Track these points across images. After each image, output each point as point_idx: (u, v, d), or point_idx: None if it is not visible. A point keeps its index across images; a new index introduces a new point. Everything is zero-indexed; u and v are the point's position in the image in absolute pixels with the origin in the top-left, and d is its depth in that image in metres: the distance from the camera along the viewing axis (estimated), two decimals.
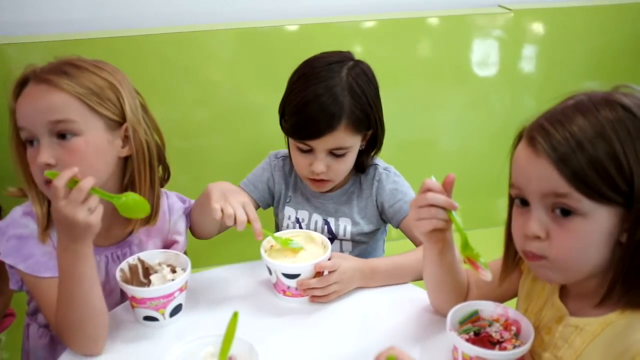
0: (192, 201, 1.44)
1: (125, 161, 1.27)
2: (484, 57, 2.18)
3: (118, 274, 1.21)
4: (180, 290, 1.22)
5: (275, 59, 1.94)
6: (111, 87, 1.21)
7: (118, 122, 1.22)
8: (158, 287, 1.19)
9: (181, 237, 1.41)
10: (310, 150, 1.38)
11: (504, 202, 1.03)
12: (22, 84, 1.20)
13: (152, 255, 1.28)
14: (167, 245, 1.39)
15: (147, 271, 1.25)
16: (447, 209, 1.04)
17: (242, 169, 1.58)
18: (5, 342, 1.23)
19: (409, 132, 2.16)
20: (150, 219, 1.32)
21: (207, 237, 1.46)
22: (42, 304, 1.22)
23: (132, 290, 1.19)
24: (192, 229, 1.45)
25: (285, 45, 1.96)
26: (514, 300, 1.15)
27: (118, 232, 1.32)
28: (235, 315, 0.89)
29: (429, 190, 1.04)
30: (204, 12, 2.02)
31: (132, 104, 1.24)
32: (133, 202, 1.17)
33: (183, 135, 1.94)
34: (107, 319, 1.17)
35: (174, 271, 1.24)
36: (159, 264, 1.26)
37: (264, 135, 1.96)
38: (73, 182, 1.07)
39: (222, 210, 1.23)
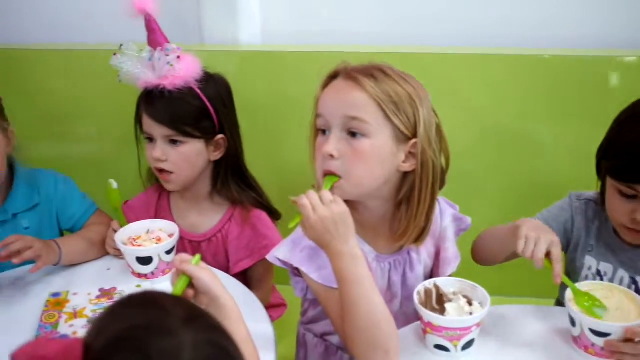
0: (457, 207, 1.43)
1: (405, 175, 1.26)
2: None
3: (416, 297, 1.20)
4: (477, 325, 1.17)
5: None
6: (410, 101, 1.21)
7: (407, 136, 1.21)
8: (457, 318, 1.16)
9: (450, 243, 1.39)
10: (635, 197, 1.26)
11: None
12: (333, 77, 1.25)
13: (448, 282, 1.25)
14: (438, 250, 1.38)
15: (441, 298, 1.22)
16: None
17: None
18: (278, 336, 1.28)
19: None
20: (422, 235, 1.30)
21: (489, 264, 1.43)
22: (332, 315, 1.24)
23: (430, 316, 1.16)
24: (477, 252, 1.42)
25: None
26: None
27: (395, 243, 1.32)
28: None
29: None
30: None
31: (427, 122, 1.22)
32: None
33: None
34: (395, 330, 1.15)
35: (469, 303, 1.20)
36: (454, 293, 1.23)
37: (548, 172, 1.87)
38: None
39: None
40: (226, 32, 1.97)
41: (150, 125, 1.51)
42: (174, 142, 1.51)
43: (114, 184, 1.50)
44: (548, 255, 1.19)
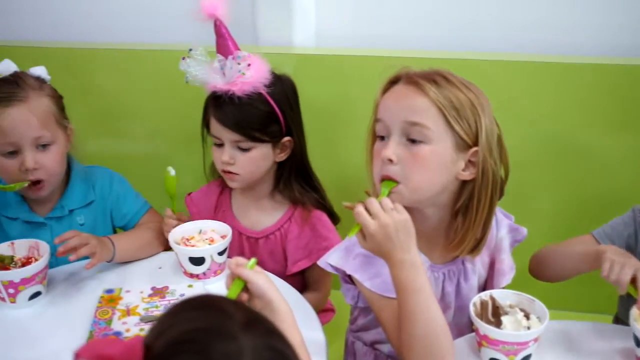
0: (513, 217, 1.40)
1: (464, 184, 1.23)
2: None
3: (471, 308, 1.17)
4: (535, 340, 1.14)
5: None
6: (472, 108, 1.18)
7: (467, 144, 1.19)
8: (515, 332, 1.12)
9: (505, 255, 1.36)
10: None
11: None
12: (393, 82, 1.23)
13: (505, 294, 1.22)
14: (492, 261, 1.36)
15: (497, 310, 1.19)
16: None
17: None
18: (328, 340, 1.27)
19: None
20: (479, 246, 1.28)
21: (551, 281, 1.41)
22: (385, 324, 1.22)
23: (487, 329, 1.13)
24: (540, 268, 1.40)
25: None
26: None
27: (450, 252, 1.30)
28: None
29: None
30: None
31: (489, 131, 1.20)
32: None
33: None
34: (452, 341, 1.13)
35: (527, 317, 1.17)
36: (510, 306, 1.20)
37: (608, 185, 1.82)
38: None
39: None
40: (281, 34, 1.96)
41: (218, 130, 1.52)
42: (242, 146, 1.51)
43: (172, 171, 1.54)
44: (633, 281, 1.17)
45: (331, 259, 1.29)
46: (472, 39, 1.90)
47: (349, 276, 1.27)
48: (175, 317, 0.70)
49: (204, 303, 0.72)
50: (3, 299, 1.35)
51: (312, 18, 2.01)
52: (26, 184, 1.45)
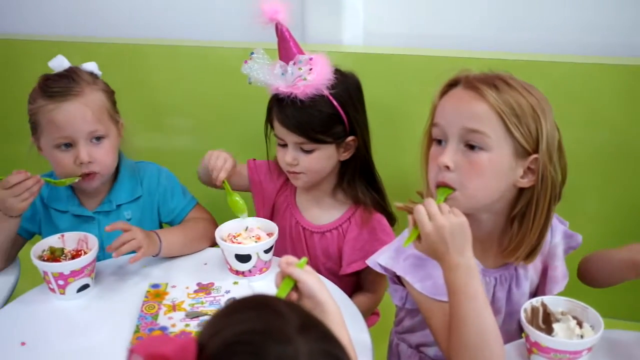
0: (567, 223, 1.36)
1: (521, 191, 1.20)
2: None
3: (522, 314, 1.15)
4: (588, 350, 1.10)
5: None
6: (533, 114, 1.15)
7: (527, 151, 1.15)
8: (568, 340, 1.09)
9: (559, 262, 1.33)
10: None
11: None
12: (452, 85, 1.21)
13: (557, 301, 1.18)
14: (545, 268, 1.33)
15: (548, 317, 1.16)
16: None
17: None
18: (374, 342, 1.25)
19: None
20: (533, 253, 1.24)
21: (598, 287, 1.36)
22: (434, 327, 1.20)
23: (539, 336, 1.10)
24: (586, 274, 1.35)
25: None
26: None
27: (503, 259, 1.27)
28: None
29: None
30: None
31: (550, 137, 1.16)
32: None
33: None
34: (504, 350, 1.10)
35: (579, 325, 1.14)
36: (562, 313, 1.17)
37: None
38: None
39: None
40: (329, 31, 1.95)
41: (282, 132, 1.51)
42: (305, 148, 1.51)
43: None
44: None
45: (381, 259, 1.28)
46: (523, 39, 1.87)
47: (398, 277, 1.26)
48: (230, 317, 0.70)
49: (259, 303, 0.72)
50: (53, 290, 1.37)
51: (361, 16, 2.00)
52: (77, 179, 1.47)
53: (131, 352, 0.65)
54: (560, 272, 1.33)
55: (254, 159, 1.71)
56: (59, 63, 1.50)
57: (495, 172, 1.15)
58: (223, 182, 1.53)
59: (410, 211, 1.30)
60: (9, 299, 1.45)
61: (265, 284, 1.43)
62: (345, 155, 1.56)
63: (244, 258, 1.41)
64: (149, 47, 2.15)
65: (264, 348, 0.64)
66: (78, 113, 1.44)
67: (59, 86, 1.44)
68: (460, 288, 1.07)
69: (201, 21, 2.15)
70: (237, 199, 1.53)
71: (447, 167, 1.15)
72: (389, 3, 1.99)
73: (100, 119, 1.47)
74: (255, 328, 0.66)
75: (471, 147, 1.14)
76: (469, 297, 1.07)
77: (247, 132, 2.02)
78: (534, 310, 1.17)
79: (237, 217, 1.52)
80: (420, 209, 1.08)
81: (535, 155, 1.15)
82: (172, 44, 2.15)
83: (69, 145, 1.45)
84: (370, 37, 2.02)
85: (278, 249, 1.49)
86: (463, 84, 1.18)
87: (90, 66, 1.53)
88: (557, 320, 1.15)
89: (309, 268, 1.02)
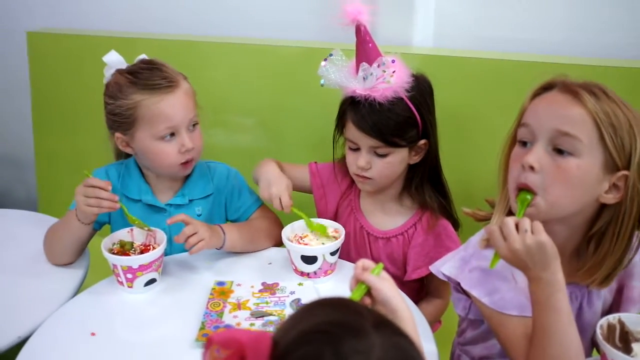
0: None
1: (602, 207, 1.14)
2: None
3: (598, 331, 1.10)
4: None
5: None
6: (629, 128, 1.10)
7: (617, 165, 1.10)
8: None
9: (637, 282, 1.25)
10: None
11: None
12: (546, 88, 1.16)
13: (636, 320, 1.13)
14: (621, 287, 1.26)
15: (626, 335, 1.11)
16: None
17: None
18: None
19: None
20: (609, 277, 1.17)
21: None
22: (505, 341, 1.17)
23: (617, 355, 1.06)
24: None
25: None
26: None
27: (575, 279, 1.21)
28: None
29: None
30: None
31: None
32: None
33: None
34: None
35: None
36: None
37: None
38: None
39: None
40: (400, 32, 1.93)
41: (356, 135, 1.49)
42: (379, 152, 1.49)
43: None
44: None
45: (445, 268, 1.25)
46: (597, 43, 1.81)
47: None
48: (309, 312, 0.72)
49: (338, 302, 0.74)
50: (121, 283, 1.40)
51: (432, 18, 1.97)
52: (146, 228, 1.48)
53: (210, 340, 0.67)
54: (638, 292, 1.25)
55: (316, 162, 1.69)
56: (115, 59, 1.52)
57: (581, 181, 1.10)
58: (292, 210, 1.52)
59: (477, 218, 1.27)
60: (79, 289, 1.48)
61: (330, 286, 1.42)
62: (416, 159, 1.54)
63: (310, 259, 1.41)
64: (204, 45, 2.17)
65: (340, 339, 0.65)
66: (182, 102, 1.48)
67: (157, 80, 1.47)
68: (543, 300, 1.05)
69: (263, 20, 2.17)
70: (320, 223, 1.52)
71: (532, 168, 1.10)
72: (460, 4, 1.96)
73: (195, 105, 1.52)
74: (332, 320, 0.68)
75: (560, 151, 1.10)
76: (551, 309, 1.04)
77: (307, 131, 2.03)
78: (610, 327, 1.12)
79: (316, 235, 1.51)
80: (494, 232, 1.05)
81: (624, 172, 1.10)
82: (230, 42, 2.16)
83: (173, 134, 1.49)
84: (441, 38, 1.99)
85: (341, 253, 1.48)
86: (559, 87, 1.14)
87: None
88: (637, 340, 1.10)
89: (384, 274, 1.01)
